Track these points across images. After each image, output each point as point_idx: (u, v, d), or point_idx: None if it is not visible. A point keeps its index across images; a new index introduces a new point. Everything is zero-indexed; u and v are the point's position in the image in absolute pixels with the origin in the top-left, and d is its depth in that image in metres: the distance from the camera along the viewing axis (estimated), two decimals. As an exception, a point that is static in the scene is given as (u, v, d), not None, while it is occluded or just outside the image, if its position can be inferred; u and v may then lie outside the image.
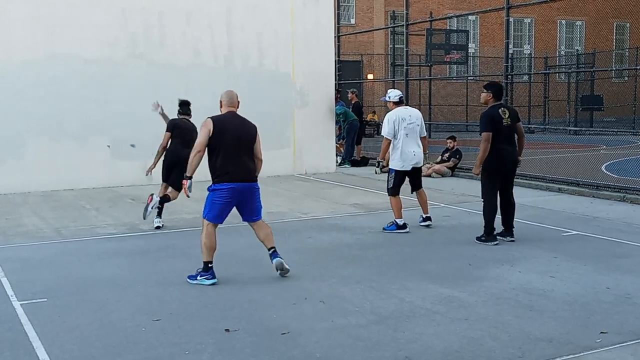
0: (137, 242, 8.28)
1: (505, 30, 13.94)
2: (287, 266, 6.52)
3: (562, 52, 34.77)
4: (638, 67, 27.97)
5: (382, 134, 9.05)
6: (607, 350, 4.70)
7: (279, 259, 6.50)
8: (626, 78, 32.41)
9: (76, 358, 4.67)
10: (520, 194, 11.85)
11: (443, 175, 14.20)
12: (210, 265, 6.38)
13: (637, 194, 10.96)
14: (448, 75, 30.29)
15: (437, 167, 14.39)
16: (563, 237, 8.39)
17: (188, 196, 6.56)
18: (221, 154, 6.35)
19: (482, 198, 8.19)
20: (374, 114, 27.78)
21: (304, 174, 14.88)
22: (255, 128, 6.59)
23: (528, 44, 34.19)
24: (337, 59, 17.12)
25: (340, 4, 21.58)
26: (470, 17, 31.49)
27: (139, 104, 13.19)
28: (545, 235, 8.53)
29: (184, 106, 9.56)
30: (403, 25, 17.87)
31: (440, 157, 14.97)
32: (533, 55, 33.12)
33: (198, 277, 6.39)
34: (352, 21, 29.87)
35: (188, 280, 6.42)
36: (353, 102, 17.18)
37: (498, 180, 8.06)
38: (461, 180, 13.95)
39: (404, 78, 17.66)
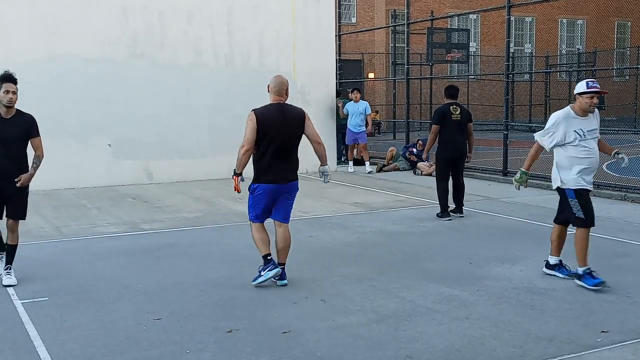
0: (138, 241, 8.28)
1: (507, 29, 13.93)
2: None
3: (563, 51, 34.72)
4: (639, 67, 27.92)
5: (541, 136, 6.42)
6: (608, 349, 4.70)
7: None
8: (627, 77, 32.36)
9: (77, 357, 4.67)
10: (521, 193, 11.81)
11: (444, 174, 14.17)
12: (269, 257, 6.22)
13: (638, 193, 10.96)
14: (449, 74, 30.26)
15: (438, 166, 14.37)
16: (564, 236, 8.36)
17: (239, 192, 6.31)
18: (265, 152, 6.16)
19: (436, 181, 9.76)
20: (376, 114, 27.75)
21: (304, 173, 14.84)
22: (303, 115, 6.33)
23: (529, 43, 34.15)
24: (338, 58, 17.11)
25: (341, 3, 21.59)
26: (471, 16, 31.46)
27: (140, 104, 13.24)
28: (546, 234, 8.46)
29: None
30: (404, 24, 17.87)
31: (441, 156, 14.94)
32: (534, 54, 33.07)
33: (262, 272, 6.17)
34: (353, 20, 29.84)
35: (253, 282, 6.19)
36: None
37: (449, 165, 9.63)
38: (462, 179, 13.92)
39: (405, 77, 17.64)
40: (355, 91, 15.52)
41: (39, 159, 6.60)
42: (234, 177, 6.21)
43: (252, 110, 6.15)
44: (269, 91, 6.26)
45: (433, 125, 9.74)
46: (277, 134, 6.09)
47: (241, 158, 6.11)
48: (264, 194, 6.18)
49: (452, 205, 9.69)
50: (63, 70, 12.59)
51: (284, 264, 6.32)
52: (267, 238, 6.26)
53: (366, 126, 15.45)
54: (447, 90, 9.88)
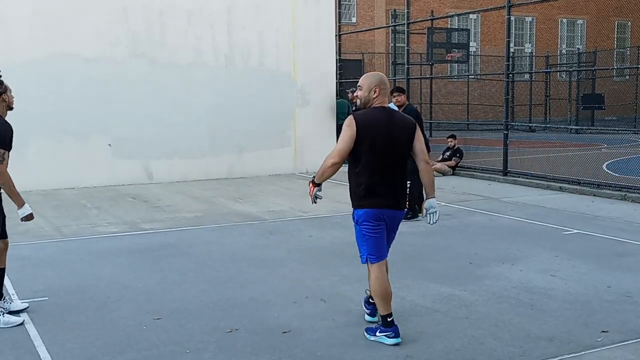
0: (138, 241, 8.28)
1: (507, 28, 13.93)
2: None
3: (564, 51, 34.70)
4: (639, 67, 27.93)
5: None
6: (608, 349, 4.70)
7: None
8: (627, 77, 32.36)
9: (77, 356, 4.67)
10: (521, 193, 11.87)
11: (444, 173, 14.20)
12: (390, 319, 4.86)
13: (638, 193, 10.95)
14: (449, 74, 30.25)
15: (438, 165, 14.38)
16: (564, 235, 8.38)
17: (314, 202, 5.18)
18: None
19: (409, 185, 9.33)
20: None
21: (305, 173, 14.87)
22: (414, 126, 4.93)
23: (529, 43, 34.15)
24: (338, 57, 17.10)
25: (341, 2, 21.57)
26: (471, 16, 31.44)
27: (140, 103, 13.24)
28: (546, 233, 8.52)
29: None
30: (404, 24, 17.86)
31: (441, 155, 14.97)
32: (534, 54, 33.06)
33: (377, 333, 4.89)
34: (353, 20, 29.84)
35: (365, 333, 4.97)
36: (354, 101, 17.14)
37: None
38: (462, 178, 13.95)
39: (405, 77, 17.64)
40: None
41: None
42: (311, 184, 5.09)
43: (351, 114, 4.94)
44: (375, 93, 4.85)
45: None
46: (382, 145, 4.76)
47: (325, 170, 4.87)
48: (370, 220, 4.86)
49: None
50: (63, 70, 12.59)
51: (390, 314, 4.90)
52: (390, 289, 4.90)
53: None
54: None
